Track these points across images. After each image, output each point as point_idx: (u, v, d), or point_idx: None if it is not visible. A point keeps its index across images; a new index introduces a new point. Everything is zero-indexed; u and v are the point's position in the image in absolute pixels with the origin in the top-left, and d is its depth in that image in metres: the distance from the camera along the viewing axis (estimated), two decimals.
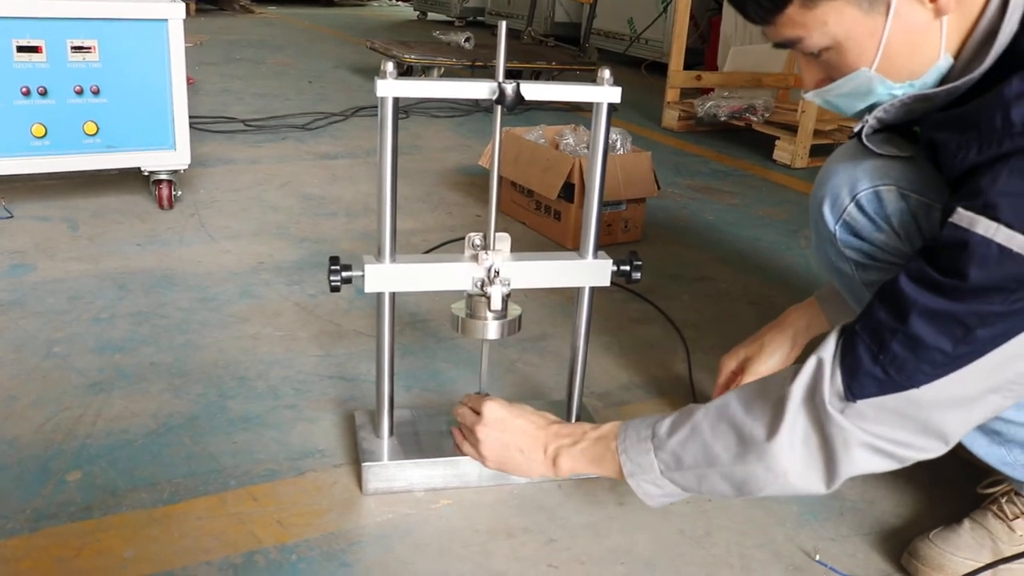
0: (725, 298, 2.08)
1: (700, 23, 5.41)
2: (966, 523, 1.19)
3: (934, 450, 0.98)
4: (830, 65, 1.00)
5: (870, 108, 1.02)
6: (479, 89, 1.14)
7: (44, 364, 1.57)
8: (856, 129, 1.07)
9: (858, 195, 1.05)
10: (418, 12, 9.22)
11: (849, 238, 1.08)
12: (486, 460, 1.23)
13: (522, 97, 1.12)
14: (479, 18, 8.22)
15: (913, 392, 0.94)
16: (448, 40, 4.90)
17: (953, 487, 1.36)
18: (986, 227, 0.84)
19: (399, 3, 10.44)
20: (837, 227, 1.08)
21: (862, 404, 0.96)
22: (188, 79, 2.36)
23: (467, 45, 4.79)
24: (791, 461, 1.00)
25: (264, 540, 1.16)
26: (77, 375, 1.54)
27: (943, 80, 0.97)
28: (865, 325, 0.96)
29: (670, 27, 4.45)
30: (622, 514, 1.27)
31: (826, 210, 1.09)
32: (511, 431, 1.21)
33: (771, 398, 1.02)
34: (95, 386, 1.51)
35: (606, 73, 1.18)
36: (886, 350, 0.93)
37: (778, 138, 3.51)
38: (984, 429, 1.10)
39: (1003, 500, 1.18)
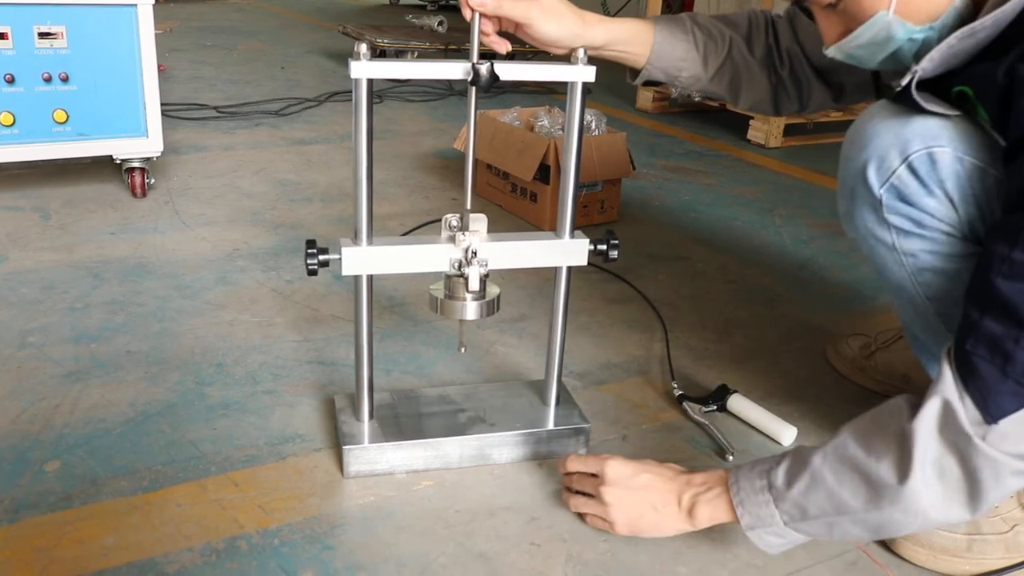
0: (701, 277, 2.09)
1: (673, 3, 5.40)
2: None
3: None
4: (848, 15, 0.98)
5: (893, 59, 1.00)
6: (453, 70, 1.13)
7: (19, 355, 1.56)
8: (903, 82, 0.99)
9: (910, 156, 1.00)
10: None
11: (896, 203, 1.03)
12: (615, 524, 1.15)
13: (496, 77, 1.11)
14: (451, 1, 8.17)
15: None
16: (421, 24, 4.88)
17: None
18: None
19: None
20: (883, 191, 1.03)
21: (1004, 424, 0.89)
22: (159, 66, 2.33)
23: (440, 29, 4.77)
24: (930, 501, 0.94)
25: (246, 525, 1.16)
26: (53, 365, 1.53)
27: (961, 23, 0.94)
28: (977, 341, 0.90)
29: (644, 8, 4.45)
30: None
31: (871, 173, 1.03)
32: (640, 487, 1.15)
33: (891, 434, 0.97)
34: (71, 375, 1.50)
35: (580, 52, 1.18)
36: (1012, 360, 0.87)
37: (752, 118, 3.52)
38: None
39: None
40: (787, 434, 1.42)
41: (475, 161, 1.20)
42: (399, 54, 4.30)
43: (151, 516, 1.16)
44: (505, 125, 2.44)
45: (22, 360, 1.54)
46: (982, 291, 0.89)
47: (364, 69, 1.10)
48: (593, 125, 2.41)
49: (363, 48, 1.10)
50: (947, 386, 0.92)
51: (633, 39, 1.25)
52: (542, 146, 2.26)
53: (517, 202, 2.41)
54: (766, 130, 3.44)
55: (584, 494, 1.20)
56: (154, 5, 2.26)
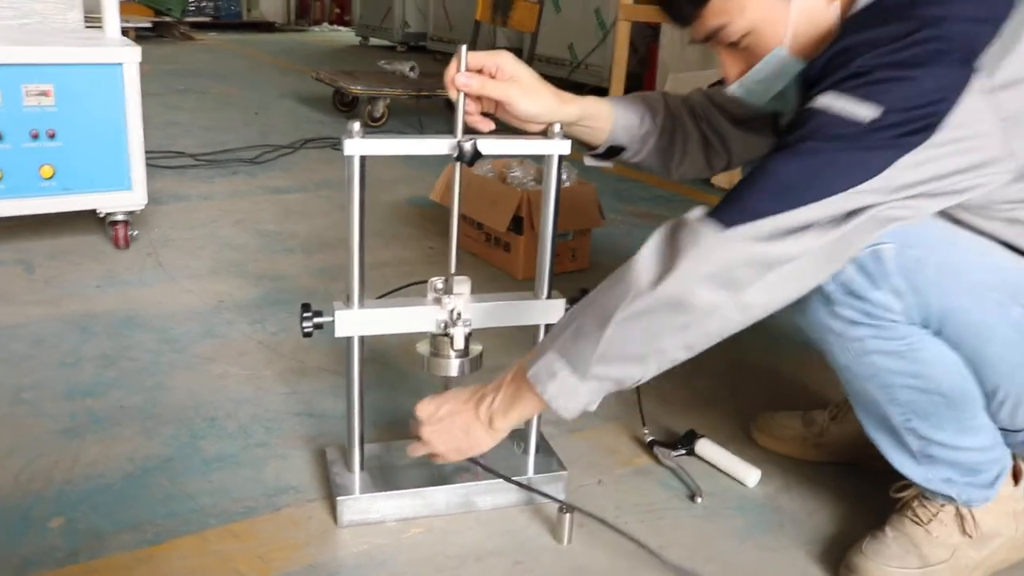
0: None
1: (639, 49, 5.57)
2: (889, 532, 1.30)
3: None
4: (749, 51, 1.13)
5: (783, 94, 1.16)
6: (440, 146, 1.23)
7: (15, 411, 1.61)
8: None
9: (857, 255, 1.07)
10: (360, 37, 9.28)
11: (845, 297, 1.11)
12: (444, 455, 1.27)
13: (480, 153, 1.21)
14: (421, 43, 8.32)
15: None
16: (393, 70, 4.98)
17: (883, 496, 1.48)
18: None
19: (340, 28, 10.49)
20: (833, 286, 1.11)
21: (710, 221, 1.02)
22: None
23: (412, 75, 4.87)
24: (644, 265, 1.05)
25: (247, 575, 1.22)
26: (49, 421, 1.58)
27: None
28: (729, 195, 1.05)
29: (610, 53, 4.60)
30: (581, 535, 1.35)
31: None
32: (446, 418, 1.25)
33: None
34: (68, 431, 1.55)
35: (556, 127, 1.28)
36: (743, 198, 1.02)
37: None
38: (915, 454, 1.23)
39: (915, 505, 1.30)
40: (752, 476, 1.52)
41: (459, 226, 1.29)
42: (372, 101, 4.40)
43: (156, 569, 1.22)
44: (479, 177, 2.53)
45: (18, 416, 1.60)
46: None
47: (357, 147, 1.19)
48: (564, 176, 2.51)
49: (356, 126, 1.19)
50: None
51: (598, 114, 1.37)
52: (515, 198, 2.35)
53: (491, 251, 2.50)
54: (729, 175, 3.57)
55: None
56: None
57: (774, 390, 1.85)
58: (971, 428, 1.21)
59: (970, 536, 1.28)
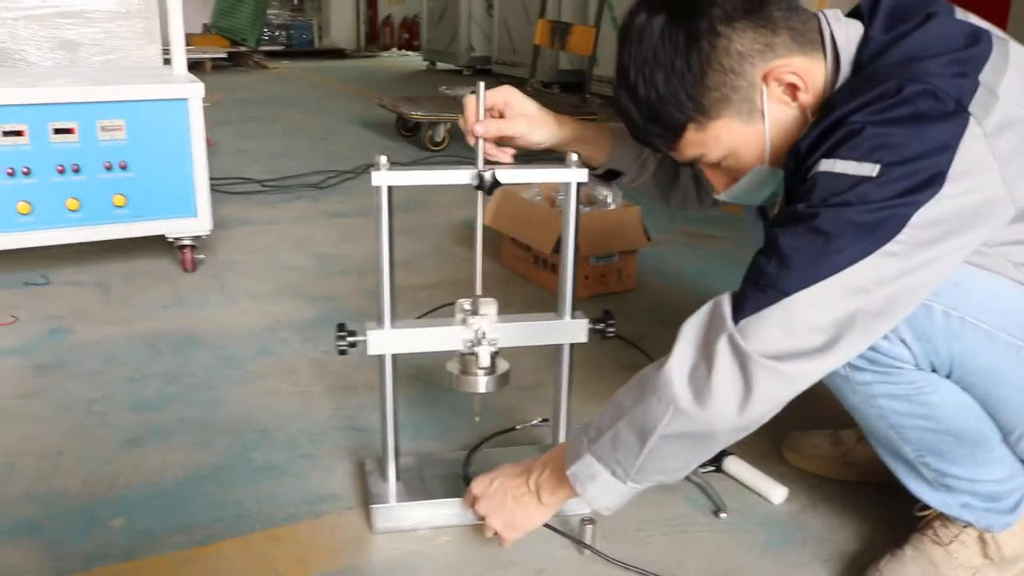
0: None
1: None
2: (908, 551, 1.32)
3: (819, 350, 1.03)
4: (732, 169, 1.20)
5: (772, 195, 1.22)
6: (462, 176, 1.31)
7: (86, 422, 1.75)
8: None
9: None
10: (427, 62, 9.49)
11: None
12: (501, 531, 1.32)
13: (498, 182, 1.29)
14: (486, 67, 8.47)
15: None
16: (454, 95, 5.11)
17: (909, 515, 1.50)
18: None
19: (408, 53, 10.73)
20: None
21: (748, 323, 1.04)
22: (208, 140, 2.55)
23: None
24: (679, 381, 1.07)
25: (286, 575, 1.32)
26: (115, 431, 1.71)
27: None
28: (748, 273, 1.08)
29: None
30: (602, 547, 1.41)
31: None
32: (498, 492, 1.32)
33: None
34: (131, 441, 1.68)
35: (574, 156, 1.35)
36: (763, 273, 1.05)
37: None
38: (931, 483, 1.26)
39: (937, 525, 1.32)
40: (778, 493, 1.55)
41: (483, 249, 1.37)
42: (432, 126, 4.53)
43: (203, 567, 1.33)
44: (527, 201, 2.61)
45: (89, 427, 1.73)
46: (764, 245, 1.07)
47: (384, 178, 1.28)
48: (609, 199, 2.58)
49: (383, 159, 1.29)
50: (720, 297, 1.09)
51: (594, 139, 1.44)
52: (560, 221, 2.42)
53: (539, 272, 2.58)
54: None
55: None
56: (200, 76, 2.49)
57: (807, 408, 1.86)
58: (987, 462, 1.23)
59: (991, 559, 1.29)
